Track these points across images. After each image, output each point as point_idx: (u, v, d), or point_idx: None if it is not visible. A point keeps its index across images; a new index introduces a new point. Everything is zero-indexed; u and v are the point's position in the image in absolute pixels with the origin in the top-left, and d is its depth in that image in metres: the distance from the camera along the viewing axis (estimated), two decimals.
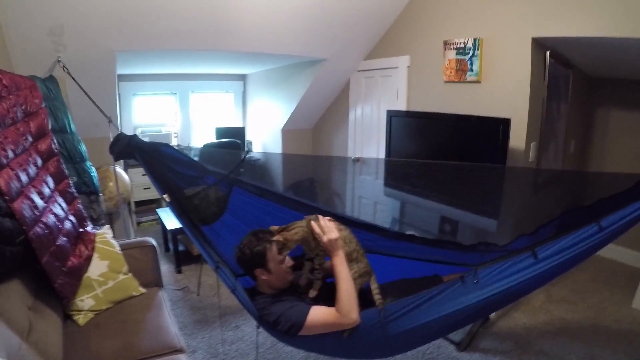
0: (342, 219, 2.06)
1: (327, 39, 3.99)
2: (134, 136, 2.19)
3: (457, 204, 3.14)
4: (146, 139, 5.42)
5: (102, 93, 3.48)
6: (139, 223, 5.39)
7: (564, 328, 3.02)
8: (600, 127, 4.35)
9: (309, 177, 5.51)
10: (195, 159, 2.50)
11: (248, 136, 6.29)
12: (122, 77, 5.30)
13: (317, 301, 1.75)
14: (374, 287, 1.79)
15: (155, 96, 5.89)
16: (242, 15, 3.38)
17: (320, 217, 1.76)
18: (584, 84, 4.17)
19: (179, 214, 2.05)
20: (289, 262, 1.81)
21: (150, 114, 5.88)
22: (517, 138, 3.08)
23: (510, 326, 3.04)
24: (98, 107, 3.09)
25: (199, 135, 6.20)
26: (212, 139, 5.83)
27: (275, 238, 1.72)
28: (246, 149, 6.05)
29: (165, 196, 2.02)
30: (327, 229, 1.73)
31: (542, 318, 3.14)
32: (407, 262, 2.26)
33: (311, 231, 1.75)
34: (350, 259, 1.77)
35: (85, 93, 3.06)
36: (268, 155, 4.99)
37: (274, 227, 1.78)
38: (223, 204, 2.22)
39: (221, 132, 5.87)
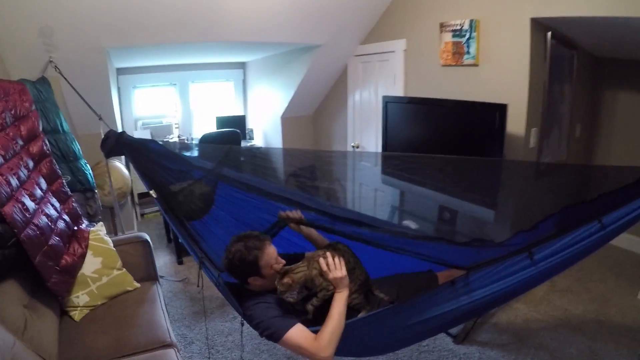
0: (328, 215, 2.13)
1: (321, 25, 4.03)
2: (123, 133, 2.27)
3: (455, 193, 3.16)
4: (147, 131, 5.59)
5: (96, 90, 3.59)
6: (142, 214, 5.53)
7: (566, 320, 3.02)
8: (607, 110, 4.29)
9: (310, 164, 5.55)
10: (186, 154, 2.55)
11: (249, 124, 6.34)
12: (121, 71, 5.41)
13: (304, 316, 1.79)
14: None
15: (155, 88, 5.99)
16: (232, 4, 3.43)
17: (328, 254, 1.78)
18: (590, 65, 4.12)
19: (165, 209, 2.13)
20: (280, 261, 1.85)
21: (150, 106, 5.99)
22: (517, 123, 3.09)
23: (510, 318, 3.07)
24: (88, 104, 3.18)
25: (200, 125, 6.27)
26: (213, 128, 5.89)
27: (284, 281, 1.72)
28: (247, 137, 6.11)
29: (152, 192, 2.10)
30: (335, 266, 1.75)
31: (543, 309, 3.16)
32: (401, 256, 2.29)
33: (319, 268, 1.77)
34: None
35: (76, 92, 3.15)
36: (255, 150, 4.99)
37: (277, 267, 1.78)
38: (209, 199, 2.29)
39: (222, 122, 5.94)
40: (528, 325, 2.98)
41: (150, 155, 2.22)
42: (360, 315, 1.86)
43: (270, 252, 1.83)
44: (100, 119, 3.15)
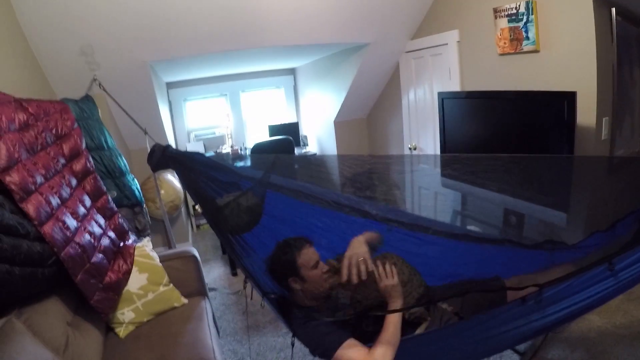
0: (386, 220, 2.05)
1: (366, 22, 3.93)
2: (168, 146, 2.27)
3: (522, 195, 2.93)
4: (200, 143, 5.69)
5: (143, 104, 3.71)
6: (198, 226, 5.61)
7: (630, 325, 2.75)
8: None
9: (366, 169, 5.44)
10: (235, 164, 2.54)
11: (302, 131, 6.32)
12: (171, 85, 5.58)
13: (359, 328, 1.75)
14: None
15: (206, 99, 6.10)
16: (270, 9, 3.42)
17: (378, 262, 1.77)
18: None
19: (212, 224, 2.10)
20: (323, 267, 1.83)
21: (202, 117, 6.11)
22: (586, 113, 2.83)
23: (583, 331, 2.80)
24: (133, 119, 3.26)
25: (252, 134, 6.32)
26: (265, 137, 5.92)
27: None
28: (301, 144, 6.07)
29: (197, 206, 2.08)
30: (385, 274, 1.72)
31: (619, 320, 2.84)
32: (465, 260, 2.15)
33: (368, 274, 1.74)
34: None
35: (121, 107, 3.24)
36: (310, 157, 4.94)
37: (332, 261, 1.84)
38: (257, 211, 2.23)
39: (274, 130, 5.96)
40: (602, 340, 2.69)
41: (197, 167, 2.21)
42: (421, 328, 1.79)
43: (309, 252, 1.84)
44: (146, 133, 3.21)
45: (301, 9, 3.52)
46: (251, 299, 2.08)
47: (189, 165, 2.19)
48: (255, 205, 2.20)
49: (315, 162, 5.40)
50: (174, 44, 3.36)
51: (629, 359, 2.49)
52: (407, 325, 1.77)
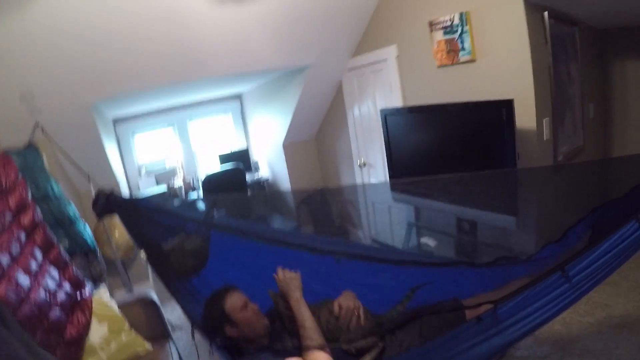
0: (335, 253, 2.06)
1: (305, 44, 3.97)
2: (112, 192, 2.18)
3: (471, 204, 2.98)
4: (152, 178, 5.51)
5: (88, 145, 3.60)
6: None
7: (608, 317, 2.80)
8: (618, 82, 4.15)
9: (319, 189, 5.42)
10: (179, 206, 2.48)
11: (253, 156, 6.23)
12: (118, 120, 5.38)
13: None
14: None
15: (154, 131, 5.93)
16: (208, 40, 3.39)
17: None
18: (593, 38, 3.99)
19: (158, 270, 2.04)
20: (252, 306, 1.89)
21: (152, 151, 5.94)
22: (527, 116, 2.93)
23: (548, 325, 2.82)
24: (77, 165, 3.12)
25: (204, 164, 6.19)
26: (217, 166, 5.79)
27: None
28: (253, 169, 5.97)
29: (142, 253, 2.00)
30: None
31: (582, 309, 2.91)
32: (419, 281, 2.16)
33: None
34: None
35: (65, 153, 3.10)
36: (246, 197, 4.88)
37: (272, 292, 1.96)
38: (203, 254, 2.18)
39: (225, 158, 5.85)
40: (568, 330, 2.75)
41: (142, 212, 2.14)
42: (371, 354, 1.80)
43: (234, 296, 1.89)
44: (90, 179, 3.07)
45: (240, 38, 3.51)
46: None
47: (134, 211, 2.14)
48: (200, 248, 2.16)
49: (260, 197, 5.39)
50: (116, 82, 3.28)
51: (597, 345, 2.56)
52: (354, 357, 1.79)
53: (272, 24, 3.55)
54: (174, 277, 2.06)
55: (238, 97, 6.35)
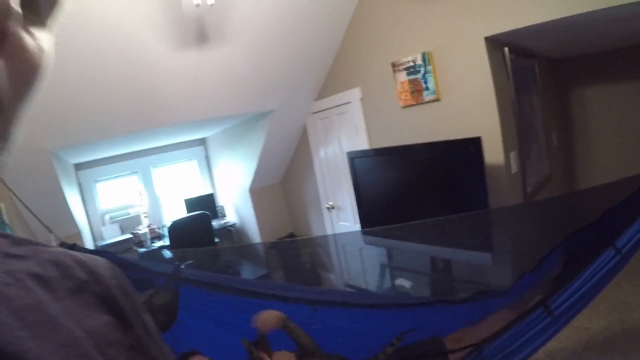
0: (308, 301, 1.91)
1: (268, 90, 3.88)
2: (74, 245, 2.02)
3: (445, 244, 2.87)
4: (116, 225, 5.22)
5: (48, 193, 3.38)
6: None
7: (590, 341, 2.74)
8: (577, 109, 4.28)
9: (288, 233, 5.24)
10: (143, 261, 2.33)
11: (219, 202, 6.02)
12: (80, 166, 5.16)
13: None
14: None
15: (117, 179, 5.66)
16: (168, 88, 3.26)
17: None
18: (552, 69, 4.09)
19: None
20: None
21: (115, 198, 5.68)
22: (494, 151, 2.89)
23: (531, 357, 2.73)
24: (36, 216, 2.85)
25: (169, 210, 5.94)
26: (183, 212, 5.56)
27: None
28: (219, 215, 5.74)
29: None
30: None
31: (563, 335, 2.81)
32: (397, 326, 2.03)
33: None
34: None
35: (22, 202, 2.83)
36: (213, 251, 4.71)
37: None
38: (173, 308, 2.02)
39: (191, 203, 5.65)
40: (552, 358, 2.67)
41: None
42: None
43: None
44: (50, 231, 2.81)
45: (200, 86, 3.40)
46: None
47: None
48: (169, 302, 2.03)
49: (228, 250, 5.19)
50: (74, 129, 3.11)
51: None
52: None
53: (234, 70, 3.45)
54: None
55: (202, 142, 6.21)
